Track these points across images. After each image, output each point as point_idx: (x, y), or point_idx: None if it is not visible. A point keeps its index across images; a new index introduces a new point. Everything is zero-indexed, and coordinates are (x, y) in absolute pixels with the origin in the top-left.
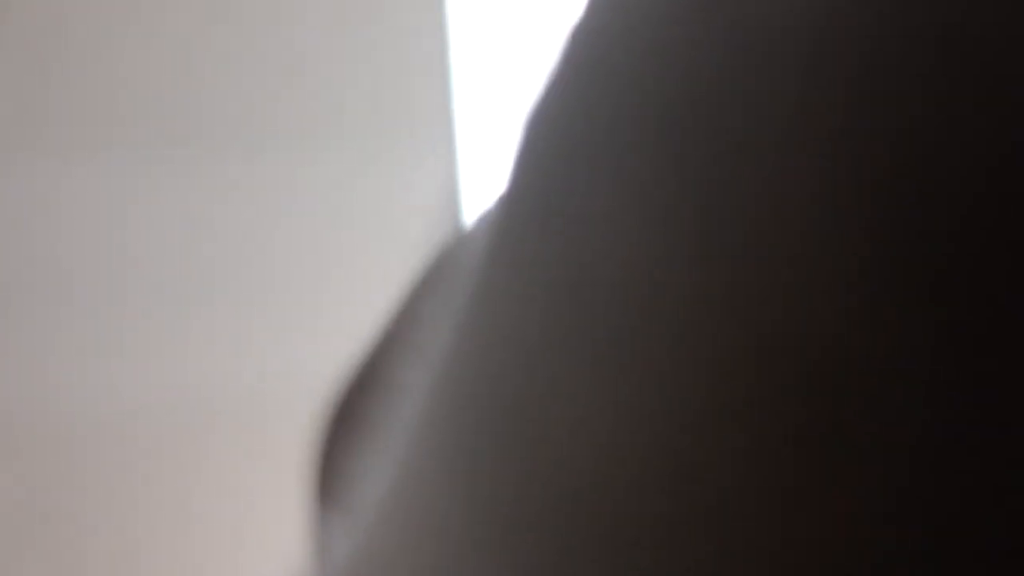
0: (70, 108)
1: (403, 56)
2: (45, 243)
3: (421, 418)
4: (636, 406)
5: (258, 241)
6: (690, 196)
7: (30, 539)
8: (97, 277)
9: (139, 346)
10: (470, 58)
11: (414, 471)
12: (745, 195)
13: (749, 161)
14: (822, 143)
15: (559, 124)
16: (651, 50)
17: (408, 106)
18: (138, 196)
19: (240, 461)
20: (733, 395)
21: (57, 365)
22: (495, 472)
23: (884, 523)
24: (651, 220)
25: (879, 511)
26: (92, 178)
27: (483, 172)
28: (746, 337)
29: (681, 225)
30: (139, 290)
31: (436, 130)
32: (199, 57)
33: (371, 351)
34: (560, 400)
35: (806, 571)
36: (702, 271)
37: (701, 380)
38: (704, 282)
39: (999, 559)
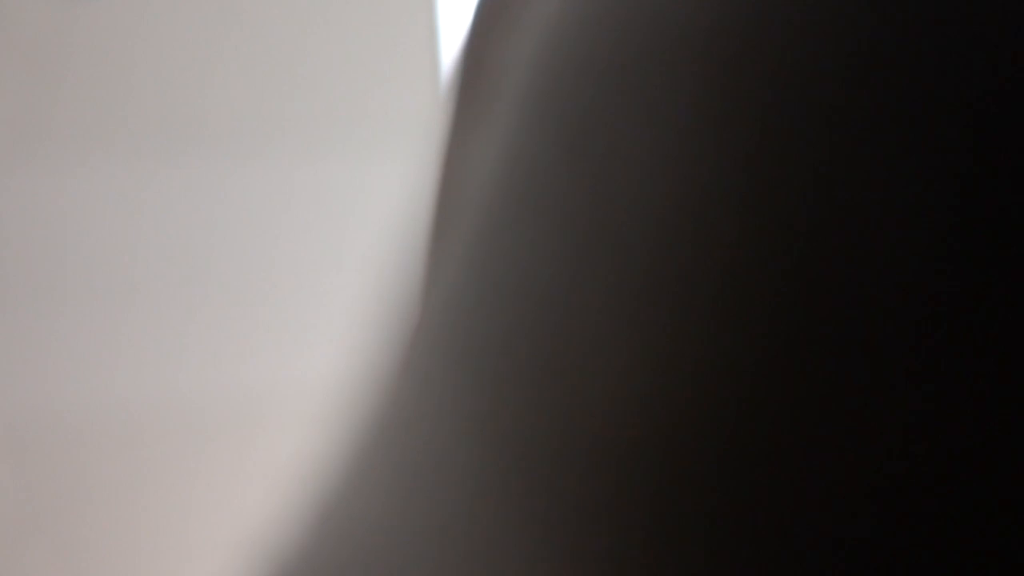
0: (73, 112)
1: (395, 58)
2: (49, 245)
3: (432, 362)
4: (673, 356)
5: (258, 244)
6: (729, 135)
7: (32, 539)
8: (100, 279)
9: (140, 349)
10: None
11: (421, 419)
12: (786, 136)
13: (793, 105)
14: (862, 88)
15: (585, 63)
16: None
17: (405, 107)
18: (139, 199)
19: (243, 463)
20: (778, 345)
21: (59, 367)
22: (514, 420)
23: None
24: (688, 153)
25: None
26: (94, 180)
27: None
28: (790, 284)
29: (728, 169)
30: (142, 292)
31: (431, 132)
32: (200, 62)
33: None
34: (587, 345)
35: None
36: (750, 215)
37: (744, 330)
38: (752, 226)
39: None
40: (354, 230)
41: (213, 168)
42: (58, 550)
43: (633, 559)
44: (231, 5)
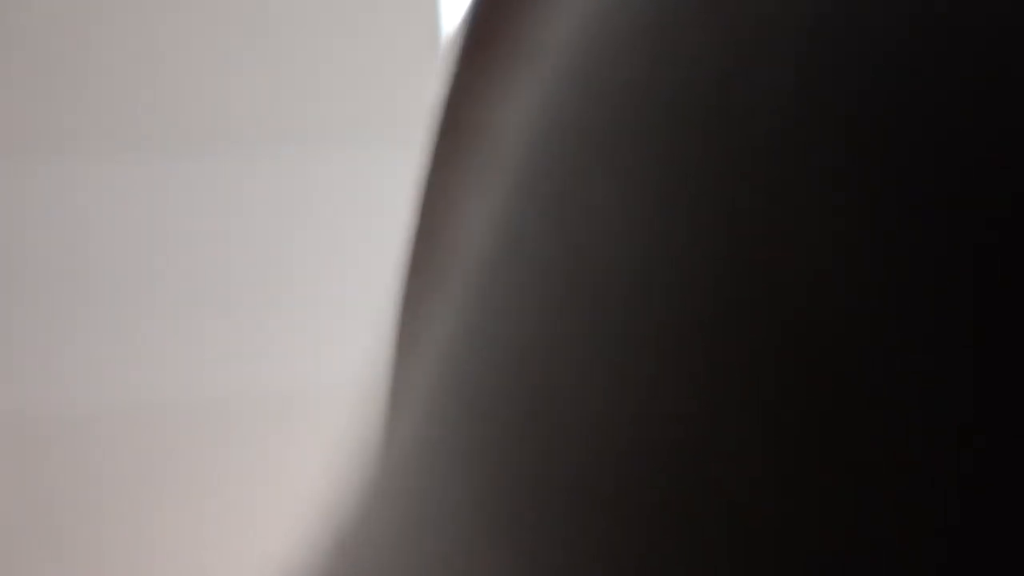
0: (82, 112)
1: (398, 59)
2: (61, 244)
3: (427, 405)
4: (647, 395)
5: (265, 243)
6: (702, 194)
7: (43, 541)
8: (116, 276)
9: (156, 348)
10: None
11: (419, 458)
12: (757, 191)
13: (758, 158)
14: (829, 142)
15: (564, 119)
16: (652, 45)
17: (408, 109)
18: (156, 196)
19: (259, 466)
20: (743, 386)
21: (74, 365)
22: (504, 462)
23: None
24: (662, 213)
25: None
26: (109, 179)
27: None
28: (759, 331)
29: (695, 220)
30: (158, 290)
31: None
32: (216, 58)
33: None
34: (571, 389)
35: (812, 562)
36: (714, 265)
37: (711, 371)
38: (716, 275)
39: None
40: (379, 227)
41: (231, 165)
42: (69, 553)
43: None
44: (245, 3)
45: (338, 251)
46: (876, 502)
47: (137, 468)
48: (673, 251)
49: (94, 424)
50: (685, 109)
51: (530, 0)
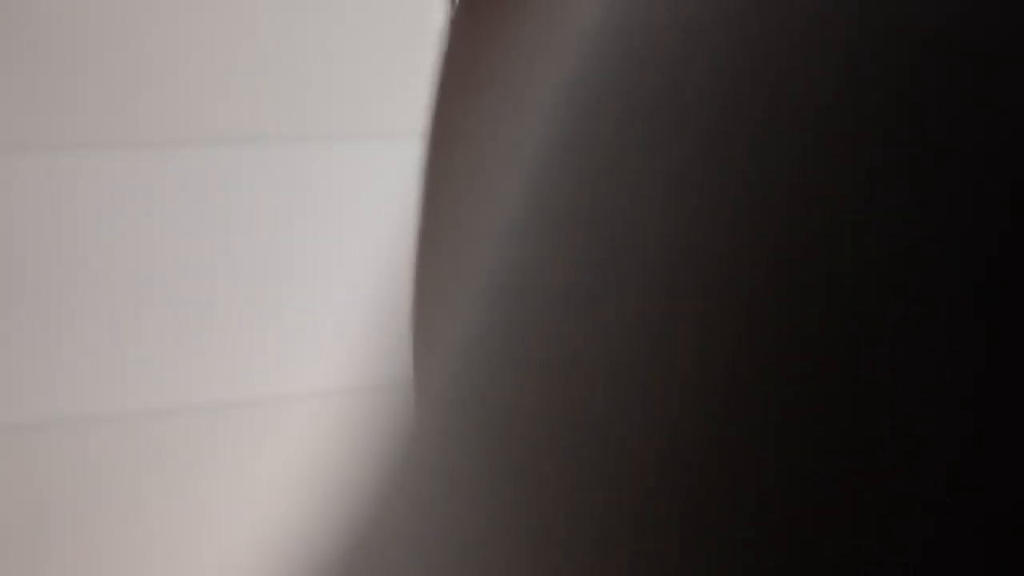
0: (82, 110)
1: (399, 57)
2: (58, 244)
3: (450, 400)
4: (672, 386)
5: (263, 243)
6: (738, 178)
7: (35, 538)
8: (107, 278)
9: (146, 348)
10: None
11: (441, 452)
12: (793, 179)
13: (796, 145)
14: (869, 136)
15: (600, 102)
16: (693, 20)
17: (408, 108)
18: (149, 196)
19: (244, 464)
20: (767, 368)
21: (67, 369)
22: (527, 458)
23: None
24: (695, 197)
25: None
26: (107, 177)
27: None
28: (786, 326)
29: (728, 205)
30: (149, 291)
31: None
32: (209, 60)
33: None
34: (596, 378)
35: (831, 549)
36: (744, 255)
37: (735, 354)
38: (746, 267)
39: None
40: (378, 227)
41: (231, 164)
42: (66, 554)
43: None
44: (245, 2)
45: (337, 251)
46: (876, 501)
47: (136, 470)
48: (704, 238)
49: (91, 426)
50: (726, 87)
51: None
